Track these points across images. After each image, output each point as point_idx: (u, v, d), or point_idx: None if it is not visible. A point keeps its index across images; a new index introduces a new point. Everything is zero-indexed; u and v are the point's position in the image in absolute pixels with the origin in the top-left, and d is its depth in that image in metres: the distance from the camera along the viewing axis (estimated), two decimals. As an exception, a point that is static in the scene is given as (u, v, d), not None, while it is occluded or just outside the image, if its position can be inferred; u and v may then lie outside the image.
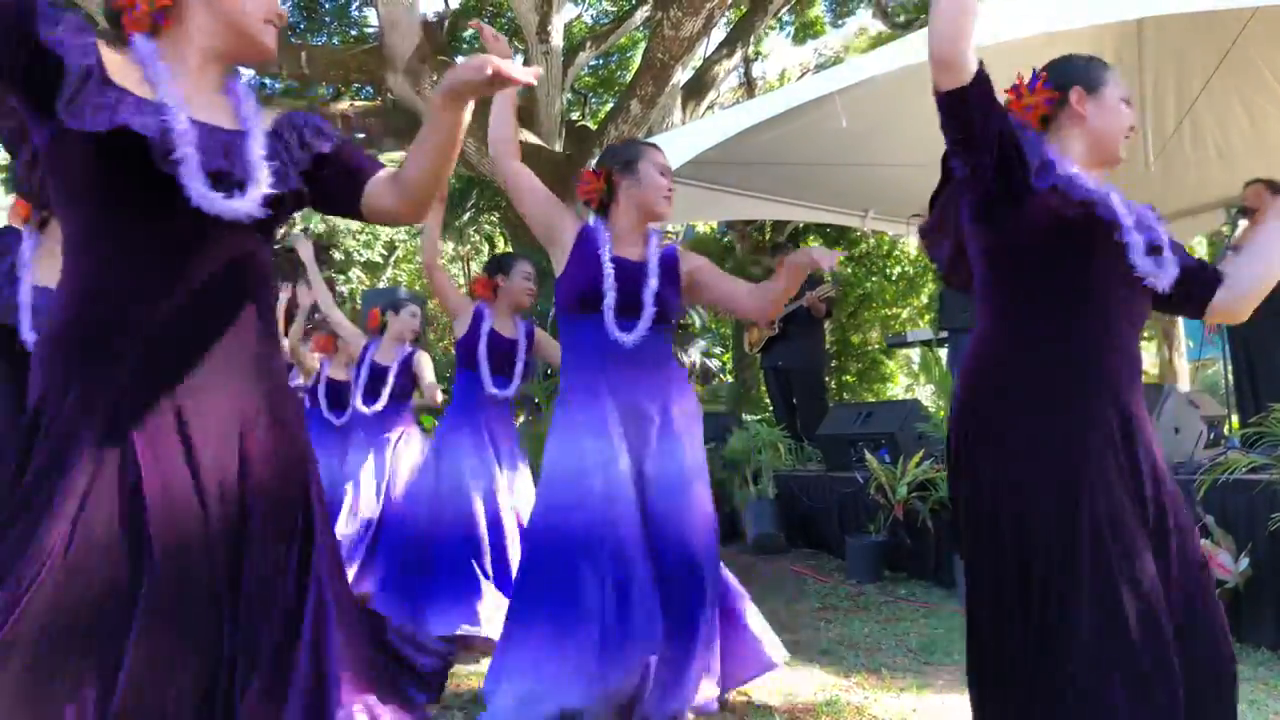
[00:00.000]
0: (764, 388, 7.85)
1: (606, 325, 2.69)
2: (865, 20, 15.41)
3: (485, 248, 18.59)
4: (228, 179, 1.55)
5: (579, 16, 14.15)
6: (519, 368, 4.00)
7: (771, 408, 7.66)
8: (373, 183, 1.72)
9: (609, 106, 12.40)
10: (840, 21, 15.22)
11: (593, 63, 14.58)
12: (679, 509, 2.63)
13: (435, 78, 9.55)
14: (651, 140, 4.01)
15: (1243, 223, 5.55)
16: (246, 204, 1.55)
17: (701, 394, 11.19)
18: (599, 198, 2.88)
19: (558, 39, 10.54)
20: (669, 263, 2.84)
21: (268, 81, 12.96)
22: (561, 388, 2.78)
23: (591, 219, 2.89)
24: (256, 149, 1.59)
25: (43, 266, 2.82)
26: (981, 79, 1.82)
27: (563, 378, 2.80)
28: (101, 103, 1.45)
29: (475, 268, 19.74)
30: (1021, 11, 4.28)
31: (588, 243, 2.77)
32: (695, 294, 2.91)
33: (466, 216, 16.23)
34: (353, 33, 14.09)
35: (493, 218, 16.27)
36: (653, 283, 2.75)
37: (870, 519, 5.06)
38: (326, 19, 13.83)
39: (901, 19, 13.44)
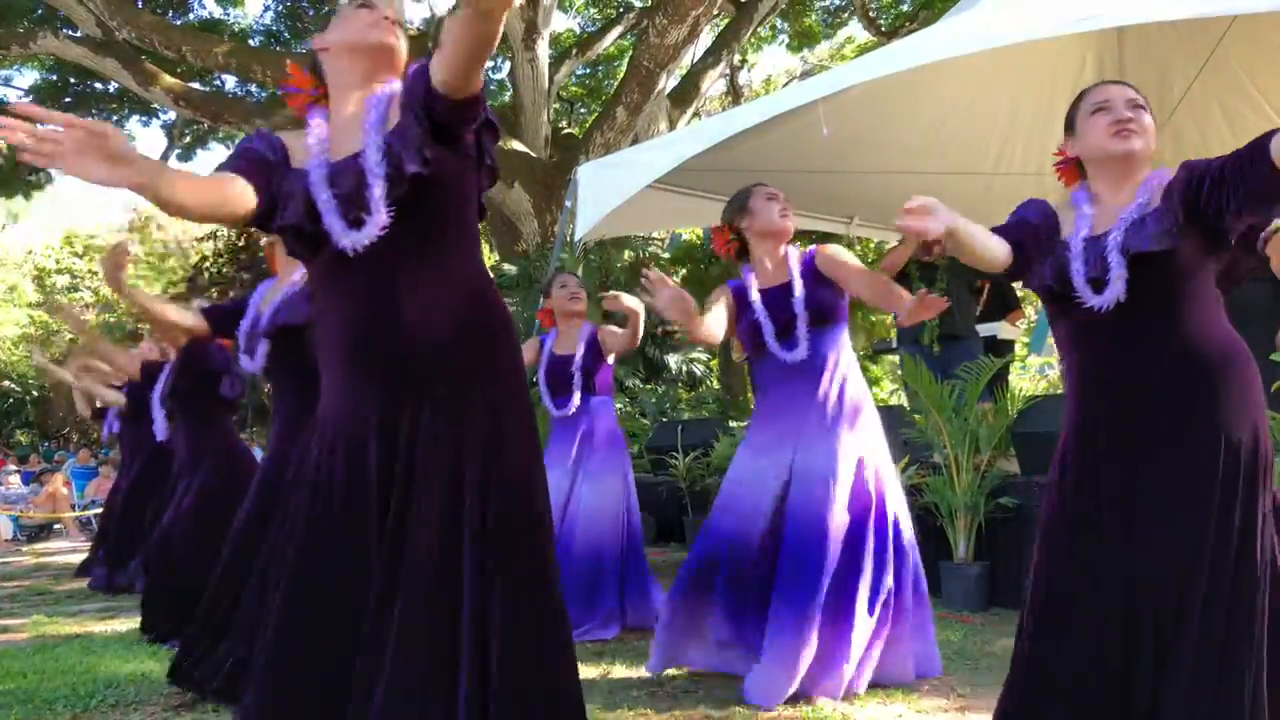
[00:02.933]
0: (750, 394, 7.86)
1: (772, 352, 3.02)
2: (854, 30, 15.49)
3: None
4: (356, 206, 1.85)
5: (565, 25, 14.19)
6: (577, 379, 4.04)
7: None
8: (431, 69, 1.84)
9: (596, 115, 12.41)
10: (832, 31, 15.29)
11: (579, 71, 14.61)
12: (817, 501, 2.88)
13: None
14: (640, 145, 4.08)
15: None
16: (365, 235, 1.84)
17: (688, 400, 11.20)
18: (735, 249, 3.21)
19: (544, 47, 10.56)
20: (810, 267, 3.08)
21: (253, 90, 12.94)
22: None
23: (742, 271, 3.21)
24: (371, 170, 1.86)
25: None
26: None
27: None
28: (286, 197, 1.89)
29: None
30: (1004, 20, 4.30)
31: (740, 294, 3.13)
32: (842, 281, 3.10)
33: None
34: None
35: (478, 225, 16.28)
36: (799, 293, 3.02)
37: (856, 525, 5.05)
38: (311, 28, 13.82)
39: (885, 24, 13.52)
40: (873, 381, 13.61)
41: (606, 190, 5.79)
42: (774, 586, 2.87)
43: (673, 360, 11.10)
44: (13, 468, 14.90)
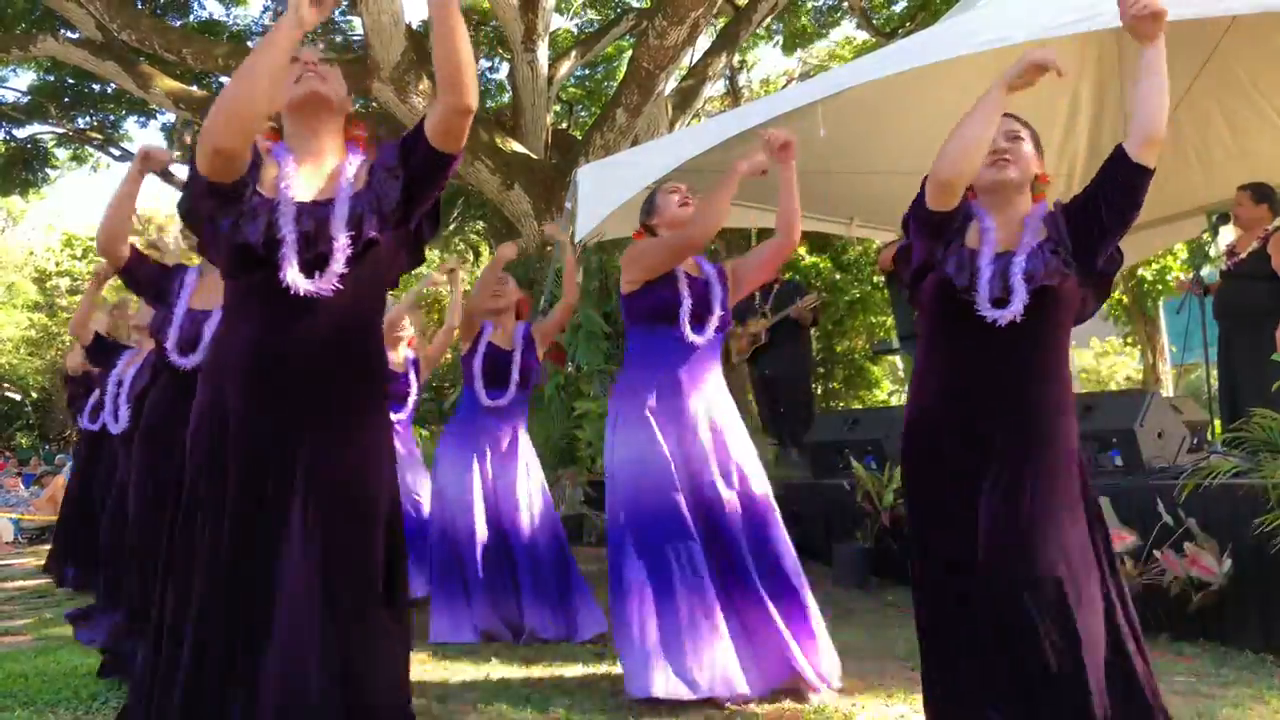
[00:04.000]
0: (750, 396, 7.86)
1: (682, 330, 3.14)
2: (851, 30, 15.50)
3: (471, 256, 18.55)
4: (317, 252, 2.01)
5: (564, 26, 14.19)
6: (515, 375, 4.22)
7: (758, 416, 7.66)
8: (426, 124, 2.07)
9: (595, 116, 12.41)
10: (825, 31, 15.29)
11: (579, 73, 14.61)
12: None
13: (420, 87, 9.54)
14: (640, 147, 4.17)
15: (1223, 229, 5.61)
16: (321, 284, 2.01)
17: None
18: None
19: (543, 49, 10.55)
20: (721, 276, 3.27)
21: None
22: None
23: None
24: (338, 223, 2.04)
25: (199, 294, 3.33)
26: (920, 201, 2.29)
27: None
28: (245, 216, 2.03)
29: (462, 275, 19.69)
30: (1003, 21, 4.31)
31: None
32: (740, 284, 3.33)
33: (452, 226, 16.21)
34: (338, 39, 14.06)
35: (478, 226, 16.26)
36: (718, 291, 3.21)
37: (857, 526, 5.06)
38: (312, 28, 13.80)
39: (879, 23, 13.53)
40: (873, 382, 13.59)
41: (606, 191, 5.80)
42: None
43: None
44: (14, 470, 14.89)
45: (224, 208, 2.03)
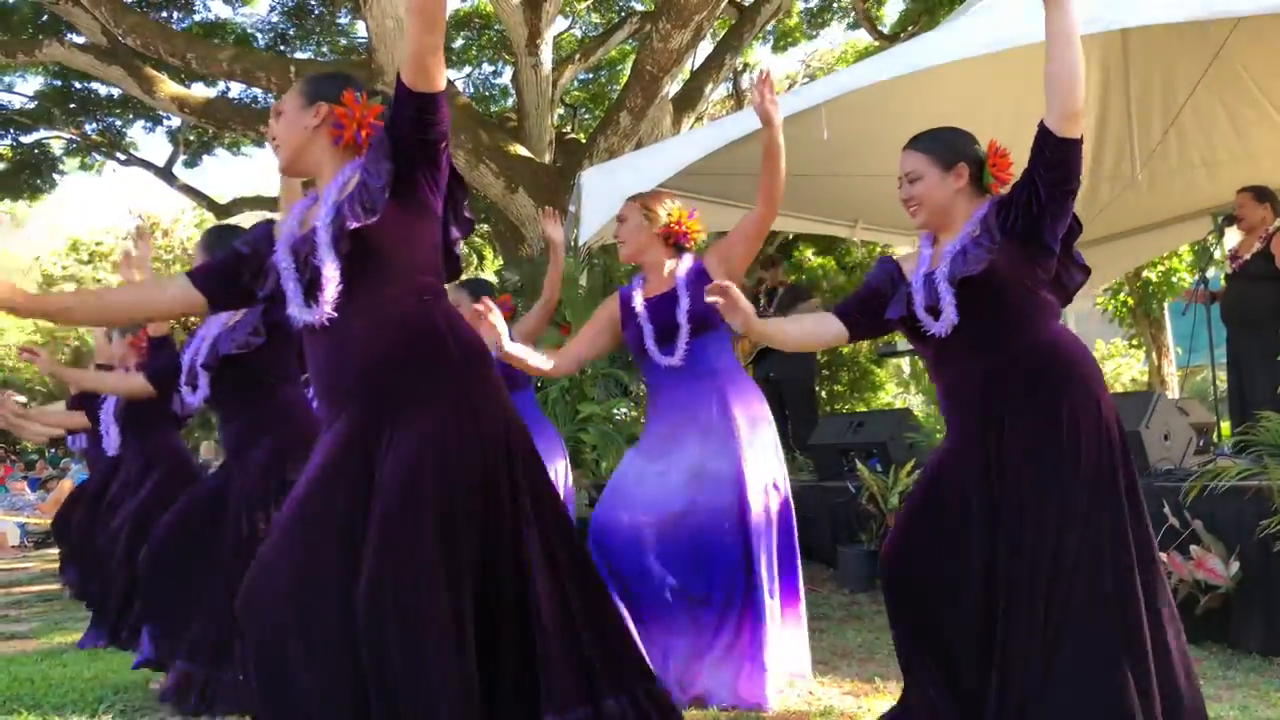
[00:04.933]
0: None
1: (650, 353, 3.08)
2: (851, 33, 15.49)
3: (474, 260, 18.58)
4: (310, 277, 2.05)
5: (568, 30, 14.19)
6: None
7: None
8: (401, 70, 2.02)
9: (599, 120, 12.42)
10: (814, 32, 15.30)
11: (583, 76, 14.62)
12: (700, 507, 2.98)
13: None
14: (644, 150, 4.13)
15: (1229, 230, 5.60)
16: (316, 314, 2.03)
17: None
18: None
19: (547, 52, 10.56)
20: (696, 275, 3.10)
21: (258, 95, 12.97)
22: None
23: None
24: (322, 242, 2.02)
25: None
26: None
27: None
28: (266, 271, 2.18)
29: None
30: (1007, 23, 4.31)
31: (625, 304, 3.18)
32: (732, 270, 3.11)
33: (457, 229, 16.20)
34: (342, 42, 14.08)
35: (481, 230, 16.26)
36: (684, 303, 3.06)
37: (862, 528, 5.06)
38: (315, 30, 13.84)
39: (879, 23, 13.53)
40: (878, 385, 13.58)
41: (610, 195, 5.80)
42: (691, 587, 2.96)
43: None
44: (20, 474, 14.93)
45: (255, 279, 2.20)
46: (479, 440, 2.02)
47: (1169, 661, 2.09)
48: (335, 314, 2.01)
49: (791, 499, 3.18)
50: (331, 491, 1.99)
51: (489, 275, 18.50)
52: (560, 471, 4.45)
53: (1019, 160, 2.33)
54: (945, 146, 2.34)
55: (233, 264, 2.22)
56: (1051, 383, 2.17)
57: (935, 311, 2.24)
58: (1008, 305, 2.20)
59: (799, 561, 3.14)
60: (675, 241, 3.18)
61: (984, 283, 2.17)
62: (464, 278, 5.26)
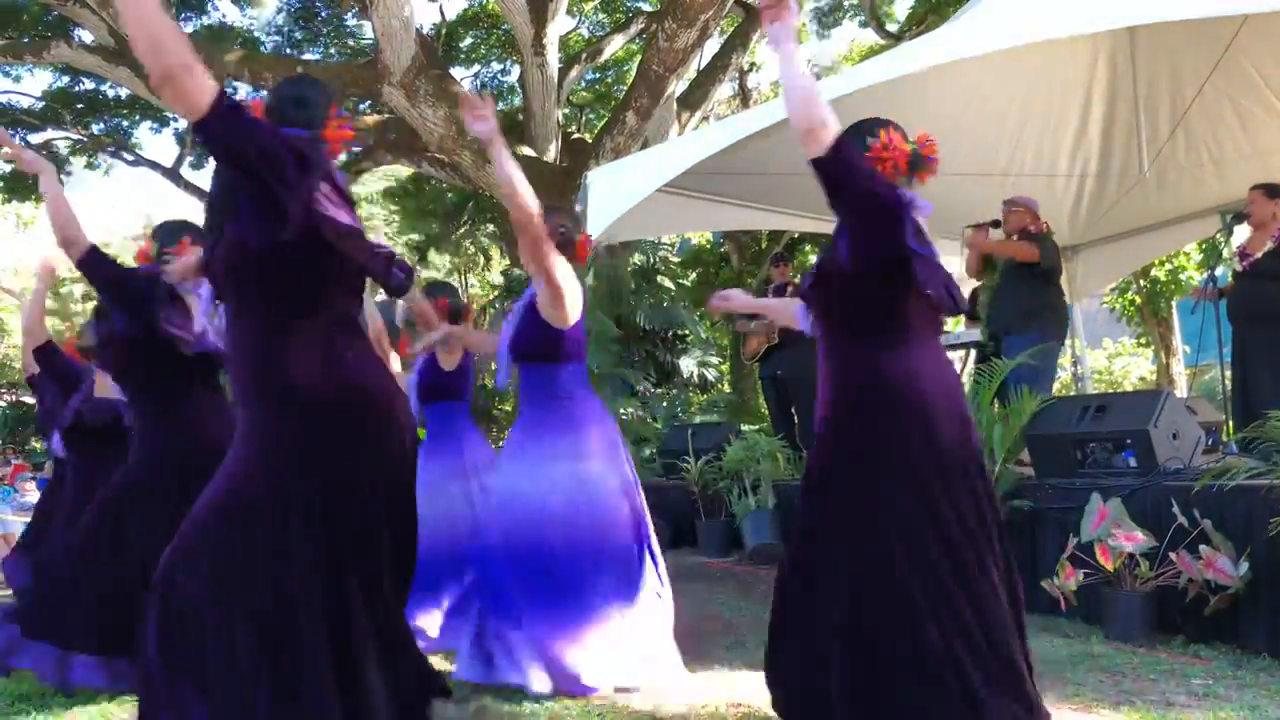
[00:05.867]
0: (762, 398, 7.83)
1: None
2: (857, 32, 15.46)
3: (481, 260, 18.57)
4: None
5: (574, 30, 14.19)
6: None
7: (769, 417, 7.65)
8: None
9: (605, 120, 12.42)
10: (825, 33, 15.26)
11: (589, 76, 14.61)
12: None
13: (431, 90, 9.57)
14: (650, 150, 4.13)
15: (1238, 228, 5.57)
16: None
17: (699, 403, 11.18)
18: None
19: (553, 52, 10.56)
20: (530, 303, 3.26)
21: (265, 95, 12.98)
22: None
23: None
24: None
25: None
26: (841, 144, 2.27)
27: None
28: None
29: (473, 280, 19.72)
30: (1015, 20, 4.29)
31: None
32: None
33: (463, 230, 16.23)
34: (349, 43, 14.09)
35: (488, 230, 16.28)
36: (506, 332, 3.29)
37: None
38: (323, 31, 13.85)
39: (887, 23, 13.50)
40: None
41: (616, 195, 5.80)
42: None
43: (684, 364, 11.09)
44: (27, 474, 14.97)
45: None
46: None
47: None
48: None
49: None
50: None
51: (495, 276, 18.52)
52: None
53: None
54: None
55: None
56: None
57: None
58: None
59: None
60: None
61: (818, 288, 2.54)
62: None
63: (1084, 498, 3.73)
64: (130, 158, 15.52)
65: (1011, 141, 6.69)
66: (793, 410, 7.29)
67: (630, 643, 3.09)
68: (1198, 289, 5.59)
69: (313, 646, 2.00)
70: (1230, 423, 5.15)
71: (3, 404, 23.55)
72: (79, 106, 13.94)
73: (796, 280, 7.95)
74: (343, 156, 2.29)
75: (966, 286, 5.94)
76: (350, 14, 13.39)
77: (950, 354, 7.54)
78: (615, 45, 13.19)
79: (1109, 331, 13.66)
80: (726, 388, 12.34)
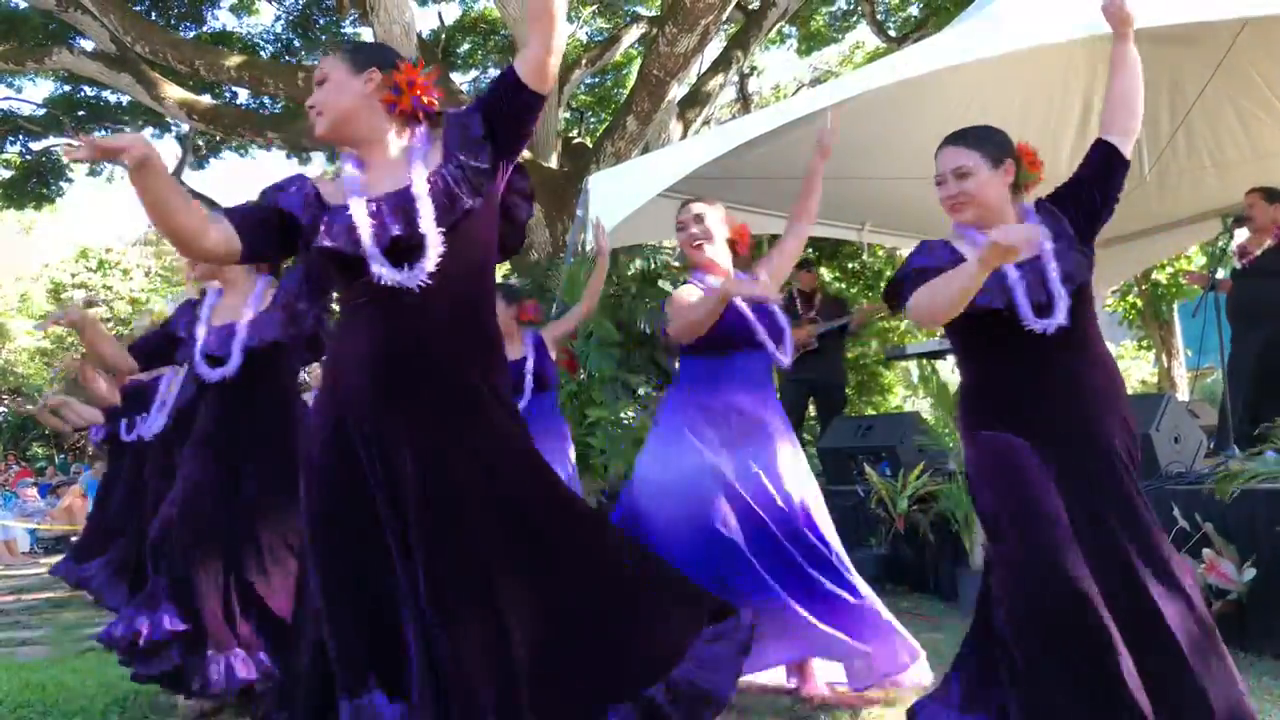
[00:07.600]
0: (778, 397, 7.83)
1: None
2: (861, 35, 15.48)
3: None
4: (407, 243, 1.96)
5: (574, 34, 14.20)
6: (528, 380, 4.25)
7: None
8: (519, 68, 2.03)
9: (606, 124, 12.43)
10: (840, 35, 15.28)
11: (589, 80, 14.63)
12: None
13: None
14: (651, 154, 4.18)
15: (1239, 232, 5.58)
16: (414, 276, 1.96)
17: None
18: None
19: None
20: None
21: (266, 101, 13.01)
22: None
23: None
24: (422, 205, 1.98)
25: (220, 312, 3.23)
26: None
27: None
28: (317, 228, 2.01)
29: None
30: (1015, 25, 4.30)
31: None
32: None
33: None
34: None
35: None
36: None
37: (871, 532, 5.04)
38: (322, 37, 13.88)
39: (894, 30, 13.51)
40: (885, 388, 13.57)
41: (617, 199, 5.79)
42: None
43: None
44: (29, 481, 14.99)
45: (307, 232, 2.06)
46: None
47: None
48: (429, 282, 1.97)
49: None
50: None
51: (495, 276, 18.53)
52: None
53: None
54: (995, 144, 2.33)
55: (272, 216, 2.08)
56: (1119, 386, 2.28)
57: (1044, 308, 2.18)
58: (1088, 313, 2.26)
59: None
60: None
61: (1085, 290, 2.24)
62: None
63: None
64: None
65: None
66: (809, 412, 7.32)
67: None
68: (1193, 274, 5.59)
69: None
70: (1230, 422, 5.15)
71: (3, 409, 23.56)
72: (80, 113, 13.95)
73: (819, 288, 7.97)
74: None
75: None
76: (349, 20, 13.42)
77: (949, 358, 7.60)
78: (615, 50, 13.20)
79: (1110, 334, 13.66)
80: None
